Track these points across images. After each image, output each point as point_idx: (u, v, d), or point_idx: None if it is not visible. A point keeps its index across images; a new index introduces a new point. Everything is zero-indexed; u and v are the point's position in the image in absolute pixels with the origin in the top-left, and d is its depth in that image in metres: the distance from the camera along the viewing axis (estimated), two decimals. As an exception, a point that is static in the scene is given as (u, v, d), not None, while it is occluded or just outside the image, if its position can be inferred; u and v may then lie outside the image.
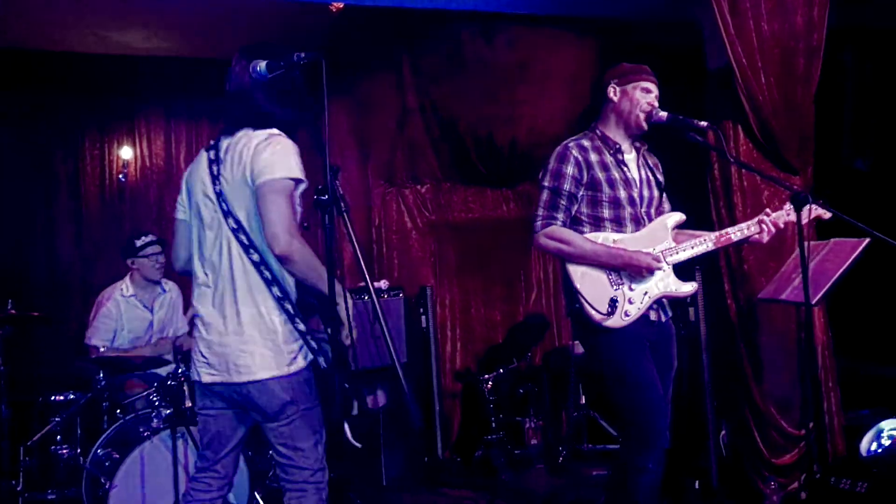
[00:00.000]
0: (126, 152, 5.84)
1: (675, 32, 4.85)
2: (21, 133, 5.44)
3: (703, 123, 3.03)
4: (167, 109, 5.92)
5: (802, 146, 4.18)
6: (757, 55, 4.05)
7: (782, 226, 3.13)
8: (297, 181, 2.40)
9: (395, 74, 5.47)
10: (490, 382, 5.25)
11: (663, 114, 3.05)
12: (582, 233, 2.97)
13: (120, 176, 5.82)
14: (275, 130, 2.44)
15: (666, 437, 2.84)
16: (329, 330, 2.39)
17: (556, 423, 5.55)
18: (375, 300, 2.33)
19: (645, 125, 3.04)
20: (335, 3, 4.26)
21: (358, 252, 2.09)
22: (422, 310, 5.39)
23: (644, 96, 3.02)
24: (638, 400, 2.84)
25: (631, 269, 2.89)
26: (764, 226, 3.08)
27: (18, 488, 3.87)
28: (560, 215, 2.96)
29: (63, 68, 5.40)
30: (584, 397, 5.31)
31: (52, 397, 3.96)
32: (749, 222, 3.14)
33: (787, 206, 3.16)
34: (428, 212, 5.91)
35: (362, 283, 5.09)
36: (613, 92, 3.05)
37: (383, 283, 5.08)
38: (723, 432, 4.41)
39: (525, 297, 6.04)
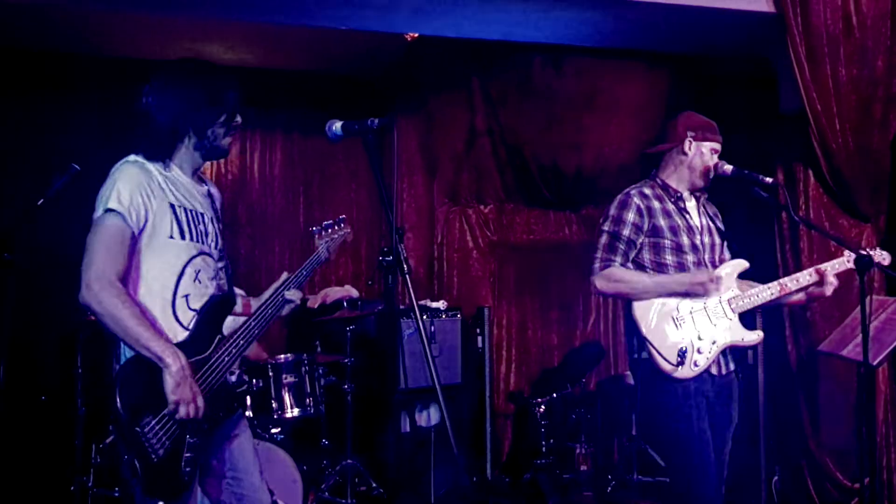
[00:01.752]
0: (202, 159, 6.05)
1: (747, 68, 4.79)
2: (104, 138, 5.68)
3: (769, 180, 3.00)
4: (244, 119, 6.10)
5: (875, 194, 4.10)
6: (833, 101, 3.98)
7: (834, 273, 3.03)
8: (110, 211, 2.15)
9: (466, 96, 5.53)
10: (543, 406, 5.28)
11: (728, 167, 3.03)
12: None
13: (196, 182, 6.05)
14: (131, 157, 2.28)
15: (715, 500, 2.83)
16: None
17: (607, 452, 5.55)
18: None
19: (708, 183, 3.04)
20: (409, 34, 4.35)
21: (417, 312, 2.12)
22: (478, 330, 5.46)
23: (713, 157, 3.03)
24: (687, 464, 2.83)
25: (694, 291, 2.87)
26: (820, 274, 3.00)
27: (89, 483, 4.11)
28: (618, 258, 2.96)
29: (147, 76, 5.62)
30: (635, 428, 5.31)
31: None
32: (806, 271, 3.05)
33: (847, 253, 3.10)
34: (490, 232, 5.97)
35: (420, 302, 5.22)
36: (689, 146, 3.03)
37: (441, 304, 5.17)
38: (775, 478, 4.36)
39: (583, 321, 6.04)
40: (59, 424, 4.36)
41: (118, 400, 2.09)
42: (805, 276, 3.01)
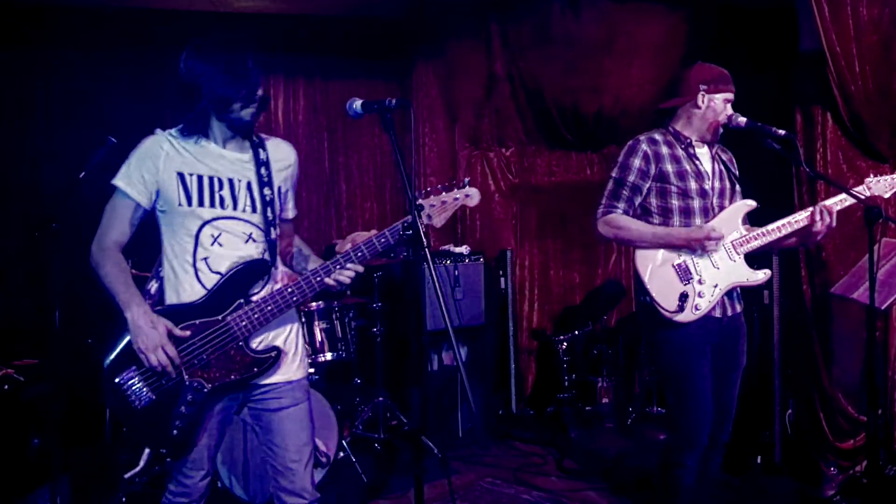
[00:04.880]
0: (228, 107, 6.12)
1: (768, 5, 4.73)
2: (131, 88, 5.75)
3: (782, 132, 3.03)
4: (266, 65, 6.14)
5: (894, 135, 4.10)
6: (853, 43, 3.95)
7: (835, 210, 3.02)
8: (115, 186, 2.37)
9: (484, 42, 5.53)
10: (565, 343, 5.48)
11: (742, 119, 3.07)
12: (650, 223, 3.05)
13: (222, 128, 6.14)
14: (156, 131, 2.44)
15: (705, 437, 2.98)
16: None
17: (627, 385, 5.75)
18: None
19: (717, 137, 3.10)
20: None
21: (437, 284, 2.22)
22: (501, 272, 5.62)
23: (726, 107, 3.06)
24: (685, 404, 2.99)
25: (691, 246, 2.96)
26: (816, 215, 2.99)
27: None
28: (621, 205, 3.06)
29: (170, 25, 5.65)
30: (655, 362, 5.48)
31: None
32: (808, 209, 3.04)
33: (864, 186, 3.10)
34: (512, 175, 6.05)
35: (444, 247, 5.36)
36: (702, 99, 3.07)
37: (465, 249, 5.32)
38: (789, 411, 4.51)
39: (604, 260, 6.16)
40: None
41: (102, 354, 2.35)
42: (806, 214, 3.03)
